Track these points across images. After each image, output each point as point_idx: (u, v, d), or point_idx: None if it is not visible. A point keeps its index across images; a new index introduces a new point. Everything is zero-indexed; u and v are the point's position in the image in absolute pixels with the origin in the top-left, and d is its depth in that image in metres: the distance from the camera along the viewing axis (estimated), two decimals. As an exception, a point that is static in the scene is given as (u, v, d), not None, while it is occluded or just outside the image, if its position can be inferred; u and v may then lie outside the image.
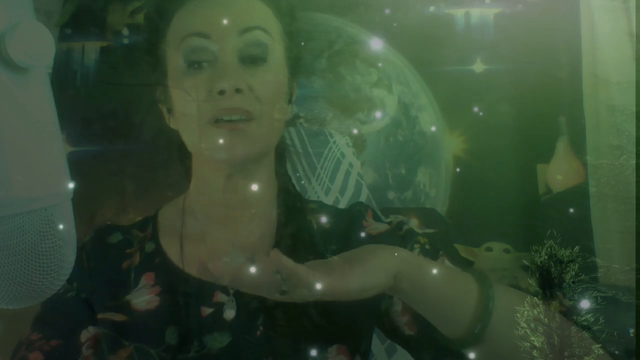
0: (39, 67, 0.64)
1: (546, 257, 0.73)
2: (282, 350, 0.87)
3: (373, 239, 0.94)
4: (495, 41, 1.57)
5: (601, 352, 0.71)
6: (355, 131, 1.55)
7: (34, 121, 0.65)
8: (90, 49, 1.51)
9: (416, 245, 0.94)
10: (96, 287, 0.91)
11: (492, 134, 1.59)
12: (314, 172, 1.25)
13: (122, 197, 1.44)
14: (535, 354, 0.70)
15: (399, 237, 0.95)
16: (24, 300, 0.64)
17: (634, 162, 1.36)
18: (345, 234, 0.95)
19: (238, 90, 0.85)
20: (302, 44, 0.98)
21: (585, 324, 0.72)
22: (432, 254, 0.92)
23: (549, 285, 0.73)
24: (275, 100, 0.89)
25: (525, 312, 0.72)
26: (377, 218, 0.98)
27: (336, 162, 1.28)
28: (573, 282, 0.72)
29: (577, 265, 0.72)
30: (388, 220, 0.99)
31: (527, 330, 0.71)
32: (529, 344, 0.71)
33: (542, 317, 0.72)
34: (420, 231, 0.98)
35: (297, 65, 0.97)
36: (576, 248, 0.74)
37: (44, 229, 0.64)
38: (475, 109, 1.57)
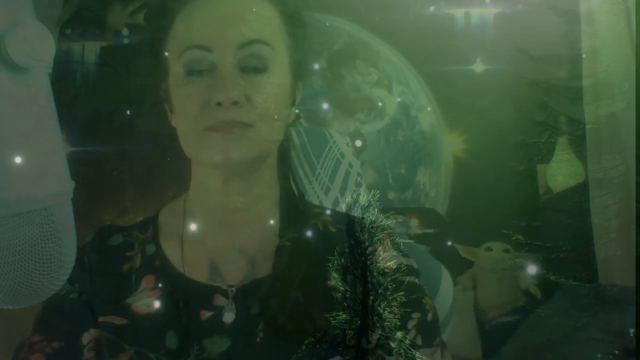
0: (39, 67, 0.64)
1: (351, 201, 0.74)
2: (282, 357, 0.86)
3: (377, 268, 0.93)
4: (495, 41, 1.57)
5: (403, 299, 0.72)
6: (358, 142, 1.55)
7: (34, 121, 0.65)
8: (90, 49, 1.51)
9: (415, 315, 0.90)
10: (97, 290, 0.91)
11: (492, 133, 1.59)
12: (314, 172, 1.25)
13: (122, 197, 1.44)
14: (346, 304, 0.71)
15: (400, 283, 0.92)
16: (24, 300, 0.64)
17: (561, 139, 1.37)
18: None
19: (235, 103, 0.85)
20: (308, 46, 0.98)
21: (388, 271, 0.72)
22: (428, 335, 0.90)
23: (352, 231, 0.73)
24: (275, 107, 0.89)
25: (335, 262, 0.72)
26: (393, 242, 0.96)
27: (336, 162, 1.28)
28: (372, 227, 0.72)
29: (376, 209, 0.73)
30: (400, 253, 0.96)
31: (338, 280, 0.72)
32: (340, 294, 0.71)
33: (348, 265, 0.72)
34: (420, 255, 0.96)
35: (301, 68, 0.97)
36: (374, 192, 0.74)
37: (44, 229, 0.64)
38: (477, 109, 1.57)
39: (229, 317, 0.88)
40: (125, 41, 1.50)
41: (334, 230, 0.95)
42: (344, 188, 1.28)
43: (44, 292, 0.65)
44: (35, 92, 0.65)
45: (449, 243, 1.57)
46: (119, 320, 0.89)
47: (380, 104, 1.66)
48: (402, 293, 0.73)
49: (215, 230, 0.94)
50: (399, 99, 1.66)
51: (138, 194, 1.42)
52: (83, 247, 0.93)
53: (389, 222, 0.74)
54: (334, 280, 0.72)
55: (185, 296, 0.89)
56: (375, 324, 0.71)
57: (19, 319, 0.86)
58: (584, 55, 1.29)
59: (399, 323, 0.72)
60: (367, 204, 0.73)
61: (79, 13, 1.47)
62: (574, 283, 1.31)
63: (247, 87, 0.87)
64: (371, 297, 0.71)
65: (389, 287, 0.72)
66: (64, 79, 1.51)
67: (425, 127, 1.70)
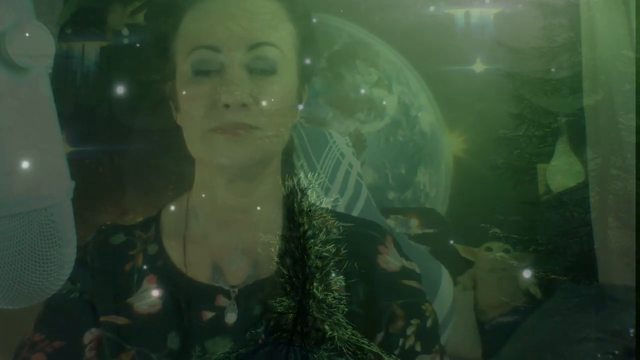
0: (39, 67, 0.64)
1: (292, 185, 0.73)
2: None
3: (380, 271, 0.93)
4: (495, 41, 1.57)
5: (343, 283, 0.72)
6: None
7: (34, 121, 0.65)
8: (90, 49, 1.51)
9: (414, 321, 0.91)
10: (99, 289, 0.91)
11: (492, 133, 1.59)
12: (314, 172, 1.25)
13: (122, 196, 1.44)
14: (287, 288, 0.71)
15: (401, 287, 0.93)
16: (25, 300, 0.64)
17: (538, 133, 1.37)
18: (355, 250, 0.93)
19: (244, 105, 0.85)
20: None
21: (327, 254, 0.72)
22: (427, 341, 0.90)
23: (292, 213, 0.73)
24: (282, 109, 0.89)
25: (277, 246, 0.72)
26: (397, 246, 0.96)
27: (336, 162, 1.28)
28: (310, 210, 0.72)
29: (314, 193, 0.73)
30: (403, 257, 0.96)
31: (280, 265, 0.71)
32: (282, 279, 0.71)
33: (288, 249, 0.72)
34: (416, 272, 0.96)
35: (308, 70, 0.96)
36: (314, 174, 0.74)
37: (44, 229, 0.64)
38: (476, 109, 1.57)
39: (231, 317, 0.88)
40: (125, 41, 1.50)
41: (340, 235, 0.95)
42: (344, 188, 1.28)
43: (44, 292, 0.65)
44: (35, 92, 0.65)
45: (450, 242, 1.57)
46: (120, 320, 0.89)
47: (364, 96, 1.66)
48: (341, 277, 0.73)
49: (218, 231, 0.94)
50: (384, 102, 1.67)
51: (138, 194, 1.42)
52: (85, 245, 0.93)
53: (328, 205, 0.74)
54: (277, 264, 0.72)
55: (187, 296, 0.89)
56: (315, 308, 0.71)
57: (20, 319, 0.86)
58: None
59: (346, 309, 0.72)
60: (305, 186, 0.73)
61: (79, 13, 1.47)
62: (552, 277, 1.31)
63: (255, 89, 0.86)
64: (308, 281, 0.71)
65: (332, 271, 0.72)
66: (64, 79, 1.51)
67: (425, 127, 1.70)
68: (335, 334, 0.70)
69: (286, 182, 0.73)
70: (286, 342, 0.70)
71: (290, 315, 0.70)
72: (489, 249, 1.55)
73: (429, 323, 0.91)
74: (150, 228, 0.97)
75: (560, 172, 1.39)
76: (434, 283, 1.23)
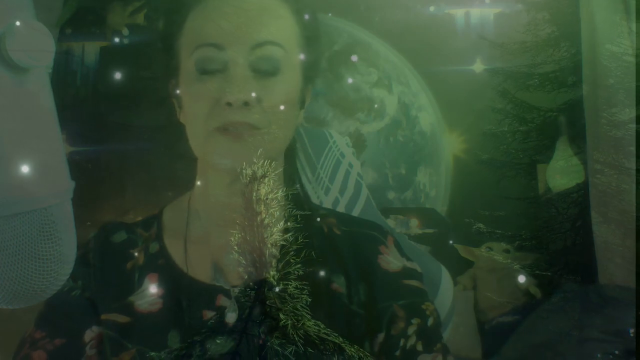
0: (39, 67, 0.64)
1: (250, 173, 0.73)
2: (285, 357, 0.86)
3: (381, 271, 0.92)
4: (495, 41, 1.57)
5: (301, 272, 0.71)
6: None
7: (34, 121, 0.65)
8: (90, 49, 1.51)
9: (415, 320, 0.90)
10: (100, 287, 0.91)
11: (492, 134, 1.59)
12: (314, 172, 1.25)
13: (122, 197, 1.44)
14: (246, 277, 0.71)
15: (402, 287, 0.92)
16: (24, 300, 0.64)
17: (523, 128, 1.38)
18: (356, 250, 0.93)
19: (246, 104, 0.85)
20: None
21: (284, 243, 0.72)
22: (429, 341, 0.89)
23: (249, 201, 0.73)
24: (285, 109, 0.88)
25: (237, 235, 0.72)
26: (398, 246, 0.96)
27: (336, 162, 1.28)
28: (267, 199, 0.72)
29: (271, 180, 0.72)
30: (404, 257, 0.96)
31: (239, 255, 0.71)
32: (242, 269, 0.71)
33: (248, 237, 0.72)
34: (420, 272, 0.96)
35: (312, 71, 0.96)
36: (268, 162, 0.74)
37: (44, 228, 0.64)
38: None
39: (231, 317, 0.88)
40: (125, 41, 1.50)
41: (338, 232, 0.94)
42: (343, 188, 1.28)
43: (44, 293, 0.65)
44: (35, 92, 0.65)
45: (450, 242, 1.57)
46: (121, 318, 0.89)
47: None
48: (298, 266, 0.72)
49: (219, 230, 0.93)
50: (376, 105, 1.67)
51: (138, 194, 1.42)
52: (87, 242, 0.93)
53: (285, 194, 0.74)
54: (236, 254, 0.72)
55: (188, 296, 0.89)
56: (276, 297, 0.71)
57: (20, 319, 0.86)
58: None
59: (309, 299, 0.71)
60: (262, 175, 0.72)
61: (79, 13, 1.47)
62: (536, 272, 1.31)
63: (259, 89, 0.86)
64: (265, 270, 0.71)
65: (292, 261, 0.72)
66: (64, 79, 1.51)
67: (425, 127, 1.71)
68: (289, 322, 0.69)
69: (244, 171, 0.73)
70: (240, 330, 0.70)
71: (247, 304, 0.70)
72: (489, 249, 1.55)
73: (430, 322, 0.91)
74: (152, 226, 0.97)
75: (558, 170, 1.39)
76: (434, 283, 1.23)
